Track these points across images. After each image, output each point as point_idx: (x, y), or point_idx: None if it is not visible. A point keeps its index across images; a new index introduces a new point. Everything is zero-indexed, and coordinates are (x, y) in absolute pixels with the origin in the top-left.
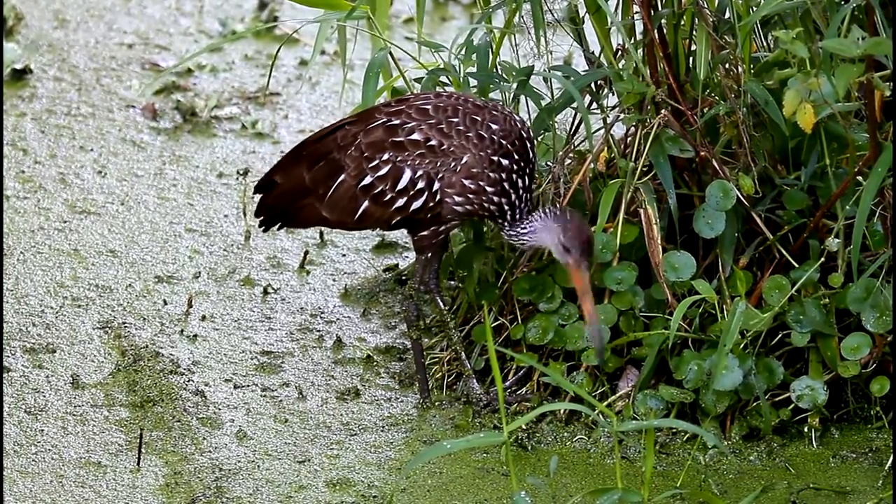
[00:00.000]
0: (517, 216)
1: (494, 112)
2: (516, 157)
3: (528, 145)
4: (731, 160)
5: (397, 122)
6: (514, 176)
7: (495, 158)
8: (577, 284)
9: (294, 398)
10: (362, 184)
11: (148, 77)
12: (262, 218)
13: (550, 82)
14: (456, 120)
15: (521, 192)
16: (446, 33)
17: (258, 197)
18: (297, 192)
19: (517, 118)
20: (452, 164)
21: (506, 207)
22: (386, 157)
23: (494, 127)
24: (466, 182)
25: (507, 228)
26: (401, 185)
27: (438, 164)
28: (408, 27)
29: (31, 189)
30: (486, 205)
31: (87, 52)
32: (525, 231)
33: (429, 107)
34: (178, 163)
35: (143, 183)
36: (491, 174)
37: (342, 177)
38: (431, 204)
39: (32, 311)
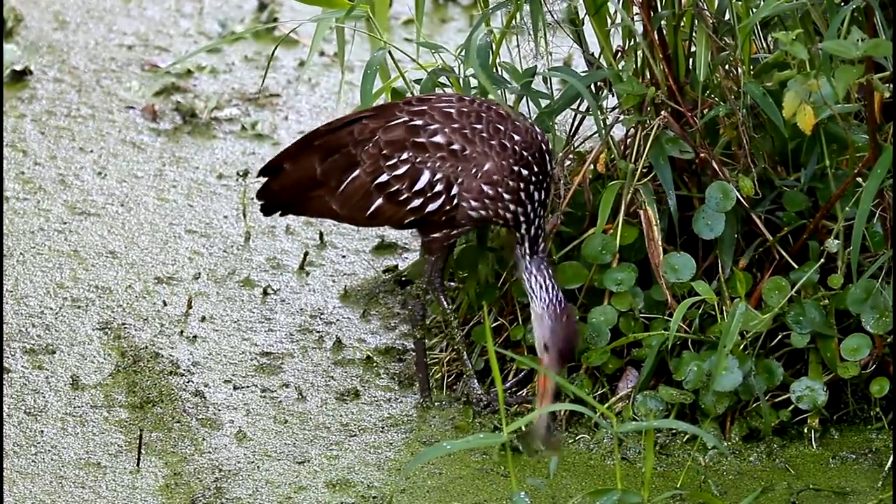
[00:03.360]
0: (531, 231)
1: (517, 123)
2: (535, 169)
3: (548, 157)
4: (730, 161)
5: (420, 122)
6: (532, 188)
7: (516, 168)
8: (540, 383)
9: (294, 399)
10: (378, 181)
11: (148, 78)
12: (262, 203)
13: (550, 83)
14: (480, 126)
15: (536, 204)
16: (446, 35)
17: (261, 182)
18: (306, 182)
19: (538, 130)
20: (473, 169)
21: (521, 218)
22: (405, 156)
23: (517, 137)
24: (486, 188)
25: (523, 253)
26: (418, 186)
27: (459, 168)
28: (407, 29)
29: (30, 190)
30: (501, 212)
31: (86, 54)
32: (531, 281)
33: (452, 110)
34: (177, 164)
35: (142, 184)
36: (510, 182)
37: (357, 172)
38: (448, 207)
39: (32, 312)
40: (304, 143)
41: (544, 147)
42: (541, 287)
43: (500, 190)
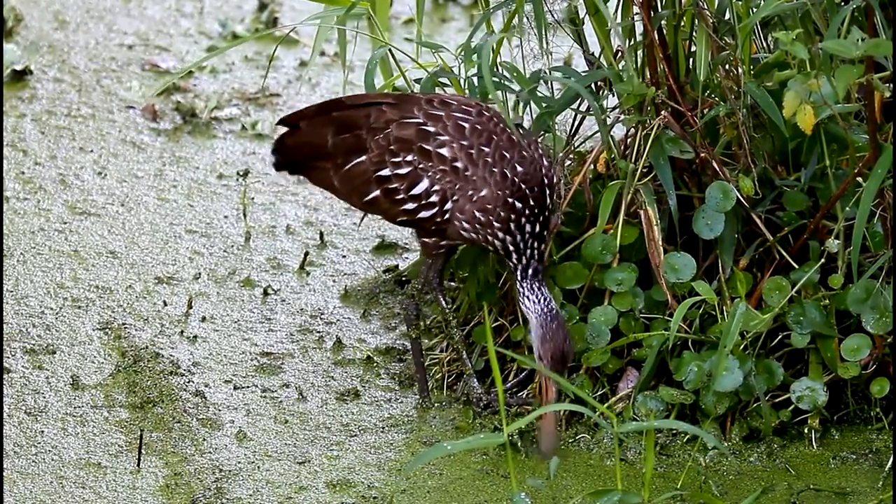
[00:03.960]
0: (522, 261)
1: (524, 153)
2: (531, 203)
3: (548, 192)
4: (731, 161)
5: (432, 129)
6: (524, 220)
7: (510, 200)
8: (541, 391)
9: (294, 399)
10: (380, 173)
11: (148, 78)
12: (276, 156)
13: (551, 83)
14: (487, 150)
15: (527, 236)
16: (446, 34)
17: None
18: (316, 150)
19: (545, 163)
20: (470, 192)
21: (510, 247)
22: (410, 158)
23: (519, 169)
24: (478, 214)
25: (517, 278)
26: (415, 191)
27: (457, 186)
28: (408, 28)
29: (31, 190)
30: (489, 238)
31: (87, 54)
32: (525, 301)
33: (466, 126)
34: (178, 164)
35: (143, 184)
36: (502, 213)
37: (363, 157)
38: (440, 220)
39: (32, 312)
40: (324, 109)
41: (546, 181)
42: (533, 303)
43: (490, 218)
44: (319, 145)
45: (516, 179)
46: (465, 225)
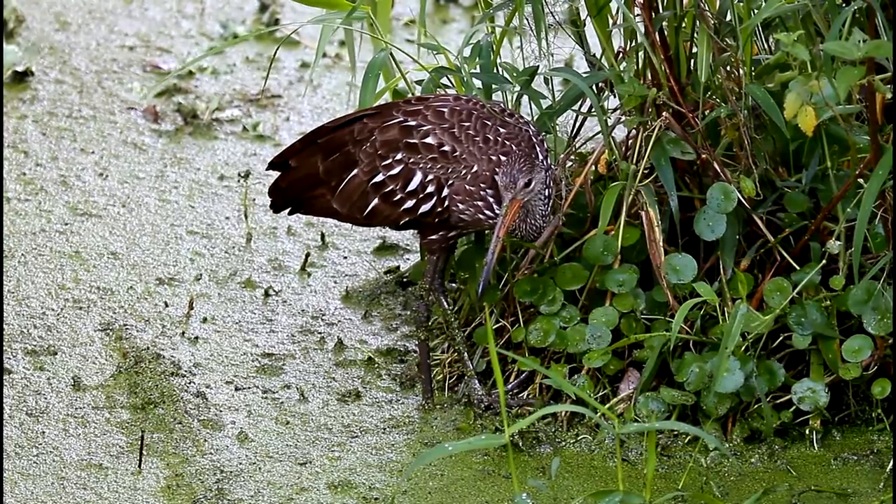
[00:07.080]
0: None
1: (508, 119)
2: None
3: (538, 148)
4: (732, 162)
5: (413, 123)
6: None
7: (494, 158)
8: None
9: (295, 400)
10: (374, 181)
11: (149, 79)
12: (272, 200)
13: (552, 84)
14: (468, 124)
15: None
16: (447, 35)
17: (264, 182)
18: (310, 180)
19: (533, 128)
20: (463, 171)
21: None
22: (399, 157)
23: (502, 130)
24: (469, 187)
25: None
26: (411, 187)
27: (449, 170)
28: (409, 30)
29: (32, 191)
30: (486, 211)
31: (88, 55)
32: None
33: (445, 110)
34: (179, 165)
35: (144, 185)
36: (493, 177)
37: (355, 171)
38: (440, 209)
39: (33, 313)
40: (309, 139)
41: (534, 140)
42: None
43: (482, 185)
44: (312, 174)
45: (500, 139)
46: (461, 206)
